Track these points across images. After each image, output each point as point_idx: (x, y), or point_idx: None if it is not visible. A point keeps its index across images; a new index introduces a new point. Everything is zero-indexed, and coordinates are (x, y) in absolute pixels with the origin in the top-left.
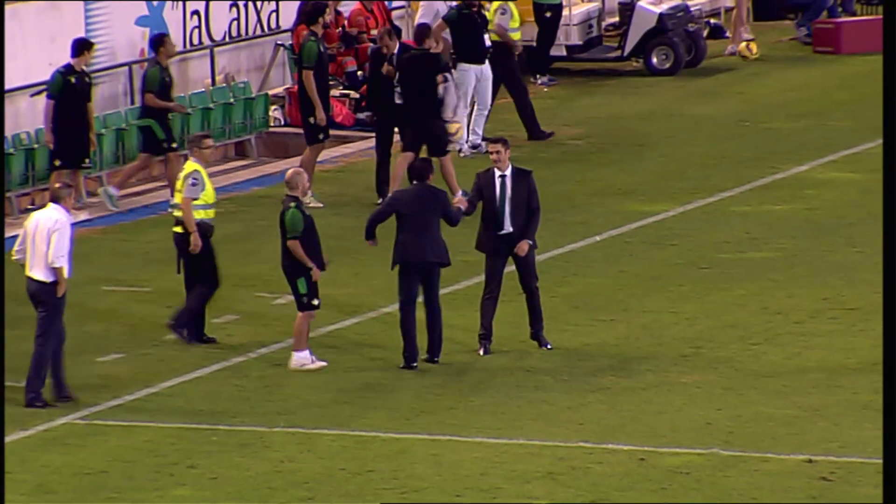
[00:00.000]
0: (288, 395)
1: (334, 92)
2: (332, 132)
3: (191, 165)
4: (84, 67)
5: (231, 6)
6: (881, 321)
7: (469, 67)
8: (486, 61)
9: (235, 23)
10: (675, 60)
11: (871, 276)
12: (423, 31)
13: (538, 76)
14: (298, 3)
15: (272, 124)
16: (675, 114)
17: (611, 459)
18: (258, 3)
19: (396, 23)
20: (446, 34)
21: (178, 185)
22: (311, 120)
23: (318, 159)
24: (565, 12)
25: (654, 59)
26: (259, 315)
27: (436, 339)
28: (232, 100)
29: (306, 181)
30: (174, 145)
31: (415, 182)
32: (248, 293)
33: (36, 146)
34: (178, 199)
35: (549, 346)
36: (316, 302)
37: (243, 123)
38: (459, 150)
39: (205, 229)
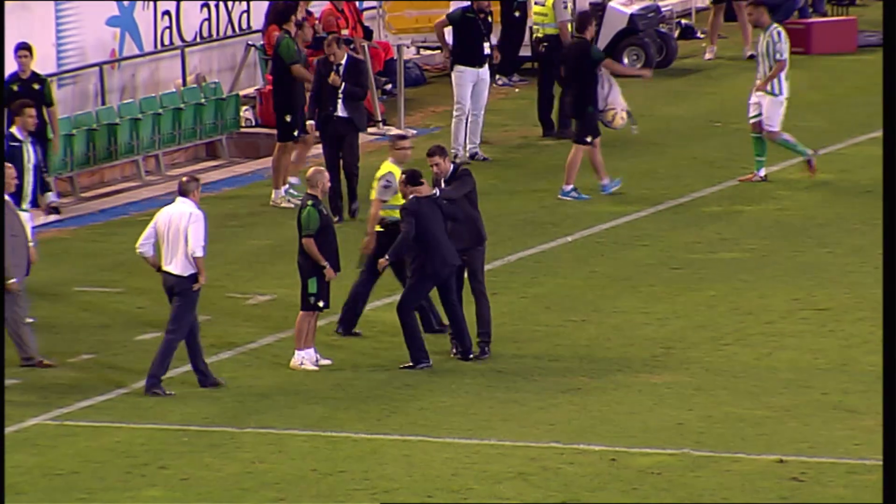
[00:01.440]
0: (259, 395)
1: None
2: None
3: (387, 166)
4: (26, 73)
5: (202, 6)
6: (851, 321)
7: (465, 70)
8: (486, 66)
9: (206, 23)
10: (646, 61)
11: (841, 277)
12: (584, 19)
13: (501, 77)
14: (268, 3)
15: (243, 125)
16: (646, 114)
17: (582, 460)
18: (229, 4)
19: (367, 23)
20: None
21: (374, 183)
22: (287, 118)
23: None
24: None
25: (626, 60)
26: (230, 315)
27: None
28: (203, 100)
29: (326, 180)
30: (296, 133)
31: (413, 196)
32: (218, 293)
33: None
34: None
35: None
36: (322, 304)
37: (214, 124)
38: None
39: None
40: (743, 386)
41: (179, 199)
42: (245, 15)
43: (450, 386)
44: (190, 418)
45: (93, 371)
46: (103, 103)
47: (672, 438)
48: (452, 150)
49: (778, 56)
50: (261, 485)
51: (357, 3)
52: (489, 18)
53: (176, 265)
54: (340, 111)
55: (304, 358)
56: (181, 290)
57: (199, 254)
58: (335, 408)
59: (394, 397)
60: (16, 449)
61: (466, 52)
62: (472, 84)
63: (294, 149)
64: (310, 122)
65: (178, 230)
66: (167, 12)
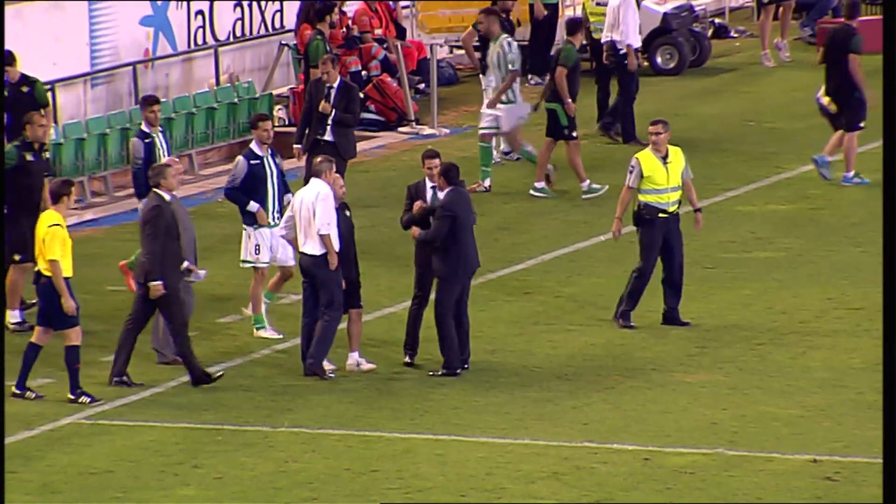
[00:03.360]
0: (292, 395)
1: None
2: None
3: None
4: (14, 79)
5: (235, 6)
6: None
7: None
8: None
9: (240, 23)
10: (680, 60)
11: (876, 276)
12: (852, 5)
13: (533, 76)
14: (301, 2)
15: (276, 124)
16: (680, 113)
17: (615, 459)
18: (262, 3)
19: (402, 22)
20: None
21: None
22: None
23: None
24: (568, 12)
25: (659, 59)
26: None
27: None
28: (236, 99)
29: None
30: (574, 133)
31: (453, 186)
32: (250, 293)
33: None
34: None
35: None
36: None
37: (248, 123)
38: None
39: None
40: (777, 385)
41: (312, 181)
42: (278, 14)
43: (483, 385)
44: (224, 417)
45: (129, 368)
46: (136, 103)
47: (706, 438)
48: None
49: (511, 66)
50: (294, 484)
51: (390, 3)
52: (511, 18)
53: (309, 246)
54: (328, 135)
55: (359, 358)
56: (317, 272)
57: (324, 231)
58: (369, 407)
59: (427, 397)
60: (50, 447)
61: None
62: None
63: None
64: (296, 147)
65: (310, 211)
66: (200, 12)
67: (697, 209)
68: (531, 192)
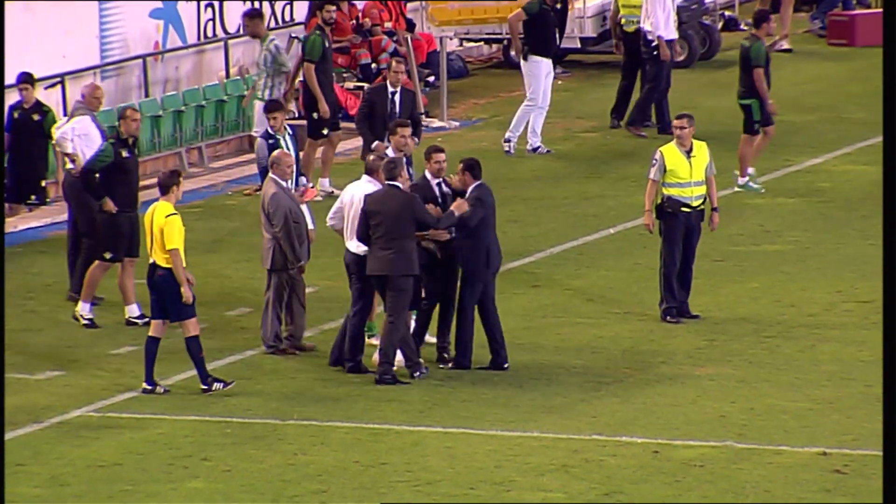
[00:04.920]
0: (301, 387)
1: (348, 84)
2: (345, 125)
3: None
4: (28, 103)
5: None
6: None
7: (541, 60)
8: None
9: None
10: (690, 53)
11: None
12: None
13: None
14: None
15: (287, 116)
16: (690, 106)
17: (624, 452)
18: None
19: (410, 15)
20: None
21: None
22: (315, 115)
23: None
24: (578, 4)
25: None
26: None
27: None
28: (246, 92)
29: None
30: (758, 128)
31: (479, 182)
32: (261, 285)
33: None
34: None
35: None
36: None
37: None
38: None
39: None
40: (786, 378)
41: (364, 178)
42: (288, 7)
43: (492, 378)
44: (232, 410)
45: (135, 363)
46: (146, 95)
47: (715, 431)
48: (529, 142)
49: (283, 68)
50: (303, 476)
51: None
52: (558, 7)
53: (353, 243)
54: None
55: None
56: (356, 270)
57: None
58: (377, 399)
59: (436, 390)
60: (59, 440)
61: (541, 42)
62: (545, 75)
63: (323, 145)
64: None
65: (357, 209)
66: (210, 4)
67: (714, 208)
68: (735, 188)
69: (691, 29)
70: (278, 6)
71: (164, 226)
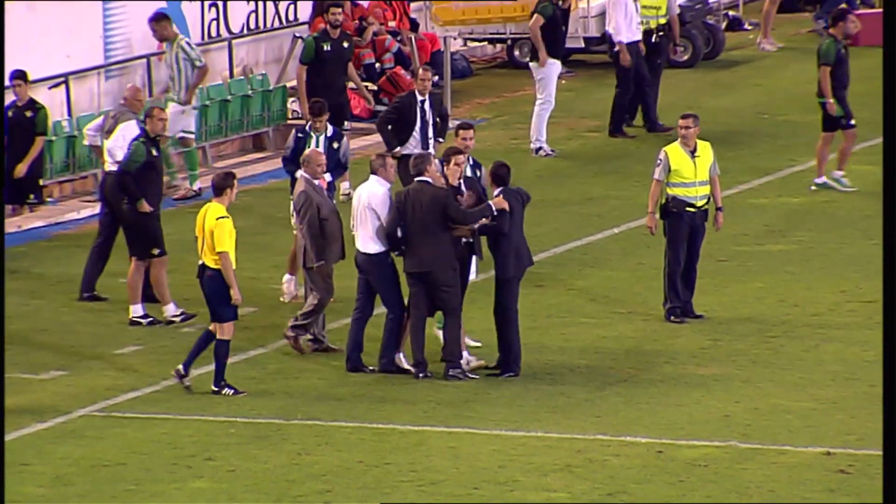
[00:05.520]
0: (305, 387)
1: (351, 84)
2: (350, 125)
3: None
4: (22, 101)
5: None
6: None
7: (554, 62)
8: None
9: (253, 15)
10: (694, 53)
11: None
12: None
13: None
14: None
15: (290, 116)
16: (693, 106)
17: (628, 452)
18: None
19: (414, 15)
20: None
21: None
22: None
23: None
24: (582, 4)
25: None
26: (276, 307)
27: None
28: (250, 92)
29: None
30: (852, 122)
31: (502, 187)
32: (265, 285)
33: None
34: None
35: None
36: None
37: (261, 116)
38: None
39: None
40: (790, 378)
41: (372, 178)
42: (292, 7)
43: (496, 378)
44: (237, 410)
45: (139, 362)
46: (150, 95)
47: (719, 430)
48: (534, 144)
49: (198, 63)
50: (307, 476)
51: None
52: (563, 5)
53: (360, 242)
54: (429, 148)
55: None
56: (368, 269)
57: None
58: (381, 400)
59: (440, 389)
60: (63, 440)
61: (553, 44)
62: (557, 77)
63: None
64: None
65: (364, 208)
66: (214, 4)
67: (719, 207)
68: (812, 187)
69: (695, 28)
70: (282, 6)
71: (214, 228)
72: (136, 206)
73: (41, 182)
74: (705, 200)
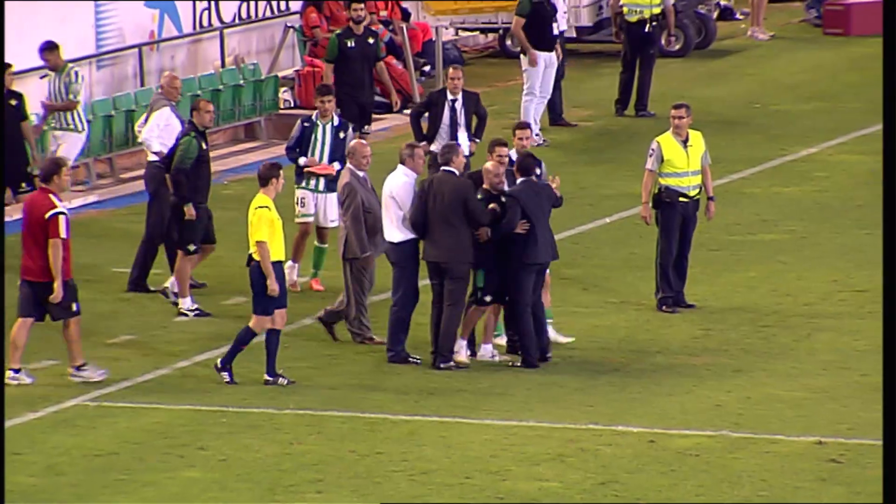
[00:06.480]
0: (297, 376)
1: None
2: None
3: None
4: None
5: None
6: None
7: (538, 55)
8: (554, 49)
9: (245, 5)
10: (685, 42)
11: (880, 259)
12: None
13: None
14: None
15: (282, 106)
16: (685, 96)
17: (620, 441)
18: None
19: (405, 5)
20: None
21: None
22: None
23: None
24: None
25: (664, 41)
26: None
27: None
28: (242, 81)
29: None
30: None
31: (523, 179)
32: None
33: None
34: None
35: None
36: (488, 298)
37: (253, 105)
38: None
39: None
40: (781, 367)
41: (400, 168)
42: None
43: (488, 367)
44: (229, 399)
45: (131, 352)
46: (142, 85)
47: (710, 420)
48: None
49: (72, 97)
50: (299, 465)
51: None
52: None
53: (385, 231)
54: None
55: (489, 350)
56: (394, 258)
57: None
58: (373, 389)
59: (432, 378)
60: (55, 430)
61: (539, 36)
62: (543, 69)
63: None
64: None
65: (388, 196)
66: None
67: (711, 197)
68: None
69: (687, 18)
70: None
71: (252, 218)
72: (184, 209)
73: (30, 169)
74: (698, 190)
